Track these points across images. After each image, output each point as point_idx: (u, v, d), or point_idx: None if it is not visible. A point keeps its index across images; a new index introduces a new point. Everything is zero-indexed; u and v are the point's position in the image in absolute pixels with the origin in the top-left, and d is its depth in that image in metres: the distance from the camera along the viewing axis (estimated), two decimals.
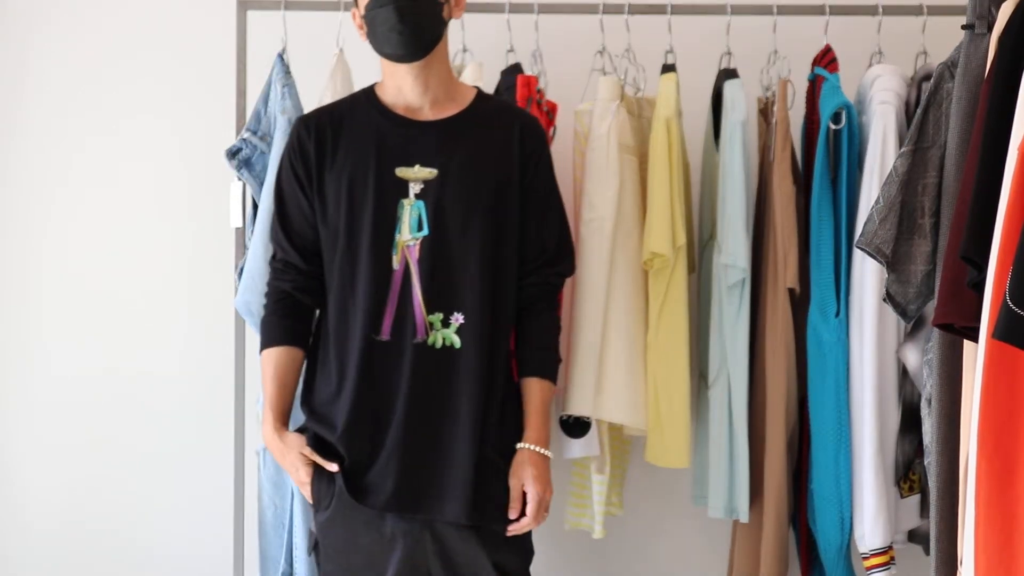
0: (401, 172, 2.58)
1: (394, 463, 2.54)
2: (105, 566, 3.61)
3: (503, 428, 2.59)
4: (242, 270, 3.00)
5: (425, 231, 2.55)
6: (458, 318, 2.54)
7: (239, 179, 3.07)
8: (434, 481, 2.53)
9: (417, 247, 2.55)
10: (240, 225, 3.11)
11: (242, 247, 3.10)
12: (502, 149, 2.62)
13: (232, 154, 3.04)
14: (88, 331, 3.60)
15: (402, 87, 2.61)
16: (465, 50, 3.10)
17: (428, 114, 2.61)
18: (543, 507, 2.58)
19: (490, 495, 2.55)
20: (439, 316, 2.55)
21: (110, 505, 3.60)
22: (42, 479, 3.61)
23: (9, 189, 3.61)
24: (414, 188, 2.57)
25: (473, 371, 2.55)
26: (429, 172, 2.57)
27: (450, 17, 2.59)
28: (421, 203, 2.56)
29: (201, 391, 3.56)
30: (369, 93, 2.67)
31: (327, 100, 2.98)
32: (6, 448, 3.62)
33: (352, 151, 2.60)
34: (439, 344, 2.54)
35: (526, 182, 2.63)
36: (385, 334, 2.55)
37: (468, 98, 2.66)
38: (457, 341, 2.55)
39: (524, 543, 2.64)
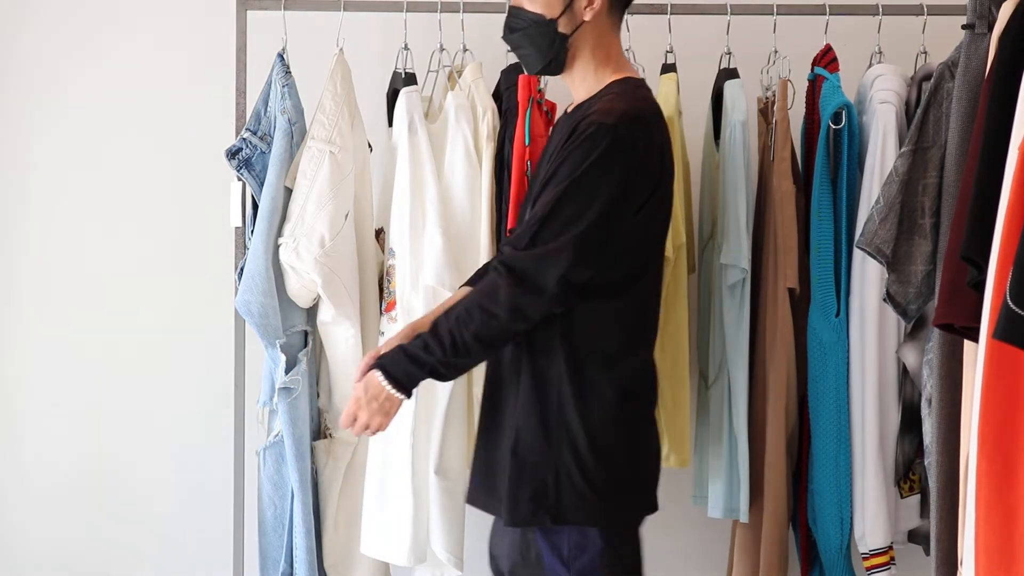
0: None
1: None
2: (105, 566, 3.61)
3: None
4: (242, 270, 3.00)
5: None
6: None
7: (239, 179, 3.07)
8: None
9: None
10: (240, 225, 3.11)
11: (242, 247, 3.10)
12: (554, 152, 2.48)
13: (232, 154, 3.04)
14: (87, 331, 3.60)
15: None
16: (465, 50, 3.10)
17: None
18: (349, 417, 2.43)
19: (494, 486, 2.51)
20: None
21: (110, 505, 3.61)
22: (42, 479, 3.62)
23: (9, 190, 3.61)
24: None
25: (507, 364, 2.49)
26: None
27: (578, 24, 2.49)
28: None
29: (201, 391, 3.56)
30: None
31: (327, 100, 2.98)
32: (6, 445, 3.62)
33: None
34: None
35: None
36: None
37: (587, 93, 2.56)
38: None
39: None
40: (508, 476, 2.42)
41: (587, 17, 2.49)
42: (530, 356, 2.43)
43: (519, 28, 2.52)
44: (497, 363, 2.54)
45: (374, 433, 2.44)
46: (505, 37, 2.57)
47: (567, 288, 2.34)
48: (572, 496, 2.39)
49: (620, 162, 2.36)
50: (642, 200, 2.40)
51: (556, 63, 2.53)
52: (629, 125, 2.38)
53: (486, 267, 2.75)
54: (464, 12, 3.06)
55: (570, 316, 2.40)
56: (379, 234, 3.13)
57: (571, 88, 2.58)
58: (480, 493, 2.53)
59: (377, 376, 2.39)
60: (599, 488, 2.40)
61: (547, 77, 3.01)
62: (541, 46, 2.51)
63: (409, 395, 2.41)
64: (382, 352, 2.44)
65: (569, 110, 2.59)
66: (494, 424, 2.51)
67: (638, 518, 2.50)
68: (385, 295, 3.05)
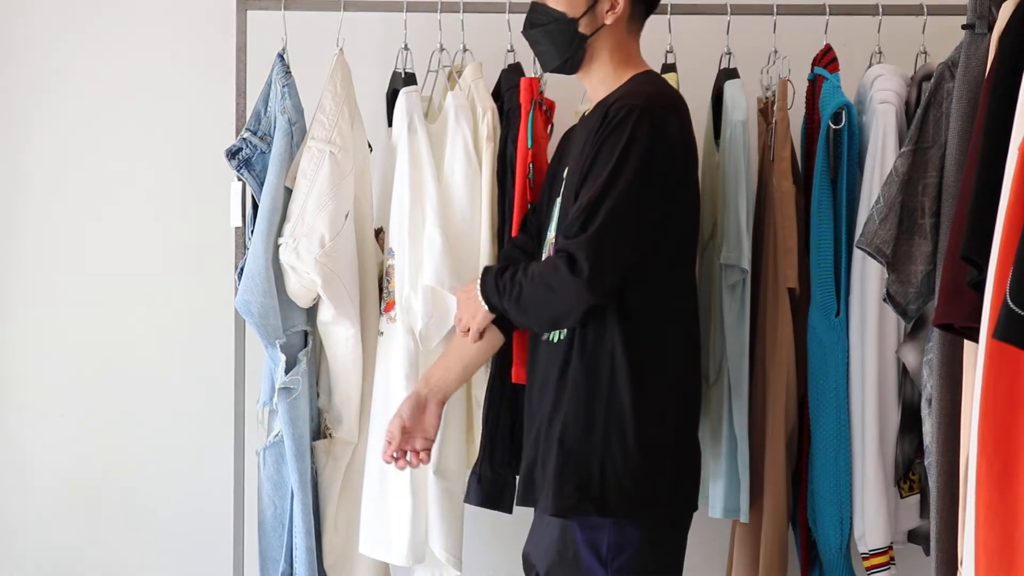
0: (565, 173, 2.63)
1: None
2: (105, 566, 3.61)
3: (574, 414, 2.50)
4: (242, 270, 3.00)
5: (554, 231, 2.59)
6: None
7: (239, 179, 3.07)
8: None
9: (551, 247, 2.58)
10: (240, 225, 3.11)
11: (242, 247, 3.10)
12: (586, 143, 2.52)
13: (232, 154, 3.04)
14: (87, 331, 3.60)
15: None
16: (465, 50, 3.10)
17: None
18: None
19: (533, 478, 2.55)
20: None
21: (109, 505, 3.60)
22: (41, 479, 3.61)
23: (8, 190, 3.61)
24: (563, 188, 2.60)
25: (563, 360, 2.51)
26: (568, 172, 2.60)
27: (598, 26, 2.55)
28: (560, 201, 2.60)
29: (201, 391, 3.56)
30: None
31: (327, 100, 2.98)
32: (6, 445, 3.62)
33: None
34: (555, 339, 2.54)
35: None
36: None
37: (606, 92, 2.59)
38: (558, 337, 2.53)
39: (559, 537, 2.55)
40: (553, 466, 2.44)
41: (608, 21, 2.55)
42: (581, 348, 2.47)
43: (540, 24, 2.58)
44: (534, 362, 2.56)
45: (466, 333, 2.62)
46: (525, 32, 2.63)
47: (617, 273, 2.40)
48: (617, 488, 2.42)
49: (655, 142, 2.41)
50: (677, 181, 2.46)
51: (572, 62, 2.58)
52: (659, 107, 2.46)
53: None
54: (464, 12, 3.06)
55: (619, 307, 2.44)
56: (379, 234, 3.13)
57: (589, 89, 2.64)
58: (519, 488, 2.54)
59: (477, 281, 2.60)
60: (644, 482, 2.43)
61: (545, 77, 3.01)
62: (560, 44, 2.56)
63: (491, 309, 2.56)
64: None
65: (587, 112, 2.61)
66: (531, 422, 2.54)
67: (681, 517, 2.55)
68: (384, 295, 3.05)
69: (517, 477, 2.70)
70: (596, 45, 2.57)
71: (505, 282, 2.51)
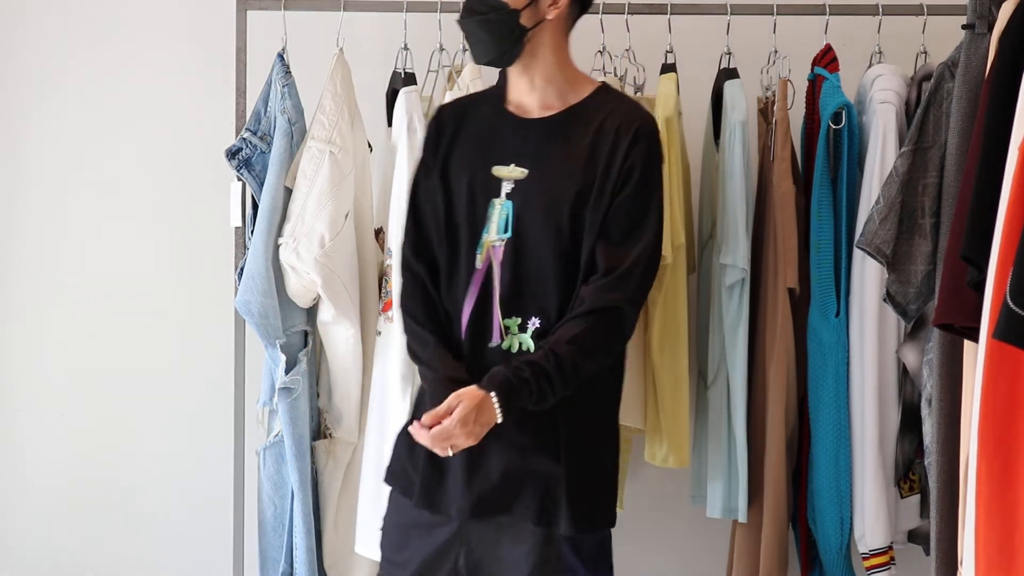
0: (497, 171, 2.50)
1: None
2: (105, 566, 3.61)
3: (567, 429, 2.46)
4: (242, 270, 3.00)
5: (509, 233, 2.47)
6: (535, 322, 2.44)
7: (239, 179, 3.07)
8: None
9: (502, 248, 2.47)
10: (240, 225, 3.11)
11: (242, 247, 3.10)
12: (592, 152, 2.44)
13: (232, 154, 3.04)
14: (87, 331, 3.60)
15: (513, 85, 2.56)
16: (465, 50, 3.10)
17: (535, 112, 2.54)
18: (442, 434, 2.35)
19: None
20: (516, 320, 2.46)
21: (110, 505, 3.61)
22: (42, 479, 3.62)
23: (8, 190, 3.61)
24: (506, 188, 2.49)
25: None
26: (521, 172, 2.49)
27: (539, 19, 2.47)
28: (510, 203, 2.48)
29: (201, 391, 3.56)
30: (500, 88, 2.60)
31: (327, 100, 2.98)
32: (7, 445, 3.62)
33: (464, 145, 2.55)
34: (515, 348, 2.45)
35: (616, 192, 2.42)
36: (463, 334, 2.49)
37: (581, 95, 2.53)
38: (532, 345, 2.44)
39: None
40: (563, 484, 2.42)
41: (550, 16, 2.48)
42: None
43: (480, 12, 2.48)
44: (482, 370, 2.51)
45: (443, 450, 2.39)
46: (461, 20, 2.52)
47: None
48: (611, 498, 2.51)
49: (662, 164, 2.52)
50: None
51: (509, 55, 2.50)
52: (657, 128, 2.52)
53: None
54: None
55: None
56: (379, 234, 3.13)
57: (531, 87, 2.53)
58: (507, 503, 2.47)
59: (493, 401, 2.35)
60: (613, 491, 2.53)
61: None
62: (499, 34, 2.48)
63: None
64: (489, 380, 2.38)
65: (549, 113, 2.52)
66: (519, 434, 2.46)
67: None
68: (383, 295, 3.05)
69: None
70: (536, 40, 2.49)
71: (543, 376, 2.36)
